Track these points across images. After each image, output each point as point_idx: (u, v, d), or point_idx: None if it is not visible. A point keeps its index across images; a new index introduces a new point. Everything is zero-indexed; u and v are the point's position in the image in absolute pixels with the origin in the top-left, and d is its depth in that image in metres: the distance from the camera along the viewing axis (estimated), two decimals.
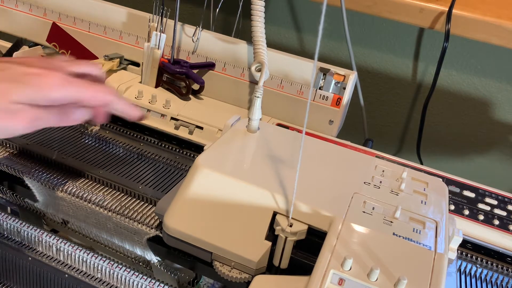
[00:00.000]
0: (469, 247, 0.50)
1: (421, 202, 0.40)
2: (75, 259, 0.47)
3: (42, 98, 0.41)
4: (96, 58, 0.69)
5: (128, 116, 0.44)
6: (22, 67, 0.41)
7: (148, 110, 0.60)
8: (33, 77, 0.40)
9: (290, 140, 0.47)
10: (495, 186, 0.54)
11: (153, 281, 0.44)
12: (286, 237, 0.37)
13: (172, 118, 0.59)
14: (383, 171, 0.44)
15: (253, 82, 0.62)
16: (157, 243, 0.45)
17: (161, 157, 0.55)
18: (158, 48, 0.62)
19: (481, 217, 0.50)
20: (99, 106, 0.41)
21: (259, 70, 0.53)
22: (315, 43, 0.90)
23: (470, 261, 0.49)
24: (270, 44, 0.57)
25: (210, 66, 0.64)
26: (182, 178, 0.52)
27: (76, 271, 0.47)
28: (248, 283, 0.37)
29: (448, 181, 0.53)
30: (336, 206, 0.37)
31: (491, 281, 0.47)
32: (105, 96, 0.41)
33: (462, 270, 0.48)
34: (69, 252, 0.47)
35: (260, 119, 0.46)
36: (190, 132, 0.58)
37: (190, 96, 0.63)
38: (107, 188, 0.50)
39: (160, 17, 0.60)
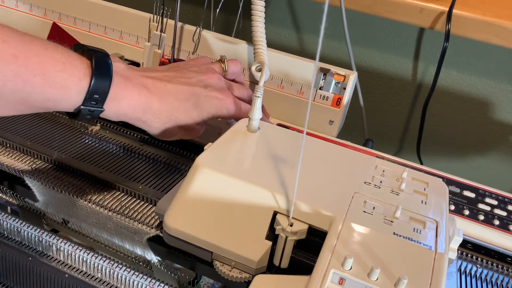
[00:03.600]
0: (469, 247, 0.50)
1: (422, 202, 0.40)
2: (75, 259, 0.47)
3: (215, 117, 0.49)
4: None
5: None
6: (204, 90, 0.48)
7: None
8: (215, 101, 0.49)
9: (291, 140, 0.47)
10: (495, 186, 0.54)
11: (153, 281, 0.44)
12: (286, 237, 0.37)
13: None
14: (383, 171, 0.44)
15: (254, 82, 0.62)
16: (157, 243, 0.45)
17: (161, 157, 0.55)
18: (158, 48, 0.62)
19: (481, 217, 0.50)
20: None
21: (260, 70, 0.52)
22: (315, 43, 0.90)
23: (470, 261, 0.49)
24: (270, 44, 0.57)
25: None
26: (182, 178, 0.52)
27: (76, 271, 0.47)
28: (249, 282, 0.37)
29: (448, 181, 0.53)
30: (337, 205, 0.37)
31: (491, 281, 0.47)
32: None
33: (462, 270, 0.48)
34: (69, 252, 0.47)
35: (261, 119, 0.46)
36: None
37: None
38: (107, 188, 0.50)
39: (161, 17, 0.60)
